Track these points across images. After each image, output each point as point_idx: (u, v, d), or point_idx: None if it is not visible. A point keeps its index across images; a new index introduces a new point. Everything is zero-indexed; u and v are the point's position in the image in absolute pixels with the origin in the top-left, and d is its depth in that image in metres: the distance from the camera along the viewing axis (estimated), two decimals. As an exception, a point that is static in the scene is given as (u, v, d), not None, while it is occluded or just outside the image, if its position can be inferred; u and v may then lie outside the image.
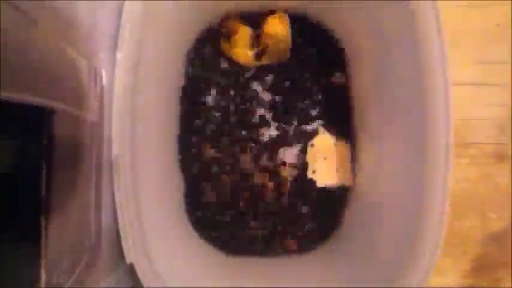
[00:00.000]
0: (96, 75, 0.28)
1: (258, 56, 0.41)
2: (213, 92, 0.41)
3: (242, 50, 0.40)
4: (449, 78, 0.28)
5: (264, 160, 0.41)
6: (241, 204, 0.41)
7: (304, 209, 0.41)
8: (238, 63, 0.41)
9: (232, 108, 0.41)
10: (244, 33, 0.40)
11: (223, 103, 0.41)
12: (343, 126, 0.41)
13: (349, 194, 0.40)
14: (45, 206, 0.22)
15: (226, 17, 0.41)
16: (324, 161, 0.41)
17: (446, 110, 0.28)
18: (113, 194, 0.28)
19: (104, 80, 0.28)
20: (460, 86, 0.43)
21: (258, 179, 0.41)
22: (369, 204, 0.37)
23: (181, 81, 0.40)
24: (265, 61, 0.41)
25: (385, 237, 0.33)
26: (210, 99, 0.41)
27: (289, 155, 0.41)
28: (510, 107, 0.44)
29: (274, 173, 0.41)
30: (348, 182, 0.40)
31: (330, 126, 0.41)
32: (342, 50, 0.41)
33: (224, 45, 0.41)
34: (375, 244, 0.34)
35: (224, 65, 0.42)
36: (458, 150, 0.44)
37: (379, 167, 0.37)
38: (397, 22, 0.31)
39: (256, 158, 0.41)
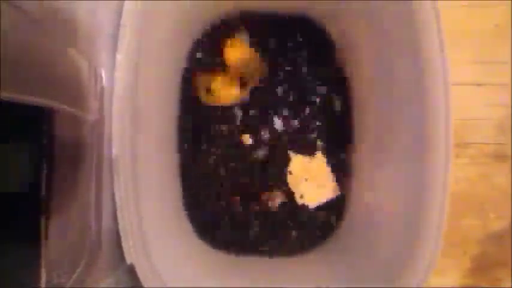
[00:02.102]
0: (96, 75, 0.28)
1: (243, 87, 0.40)
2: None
3: (226, 93, 0.40)
4: (449, 78, 0.28)
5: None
6: (241, 204, 0.41)
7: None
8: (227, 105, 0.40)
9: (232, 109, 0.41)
10: (218, 80, 0.40)
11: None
12: (342, 126, 0.41)
13: (346, 198, 0.40)
14: (46, 206, 0.22)
15: (193, 72, 0.40)
16: (307, 183, 0.40)
17: (446, 110, 0.28)
18: (113, 194, 0.27)
19: (104, 80, 0.29)
20: (460, 86, 0.43)
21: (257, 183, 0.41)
22: (369, 204, 0.37)
23: (181, 81, 0.40)
24: (251, 85, 0.40)
25: (385, 237, 0.33)
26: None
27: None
28: (510, 107, 0.44)
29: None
30: (335, 191, 0.40)
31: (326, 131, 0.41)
32: (342, 50, 0.41)
33: (208, 98, 0.40)
34: (375, 244, 0.34)
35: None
36: (457, 150, 0.44)
37: (379, 167, 0.37)
38: (397, 22, 0.31)
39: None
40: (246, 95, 0.41)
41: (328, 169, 0.40)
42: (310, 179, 0.40)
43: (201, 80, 0.40)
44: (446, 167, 0.28)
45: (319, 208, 0.40)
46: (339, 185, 0.40)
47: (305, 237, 0.40)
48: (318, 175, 0.40)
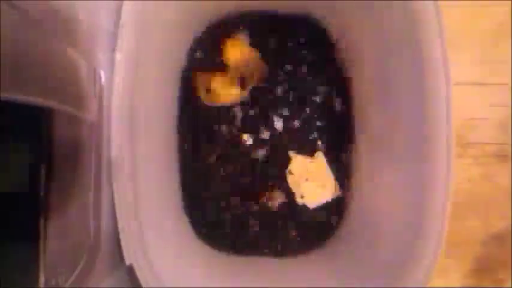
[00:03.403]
0: (95, 75, 0.28)
1: (243, 87, 0.40)
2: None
3: (225, 93, 0.40)
4: (451, 79, 0.28)
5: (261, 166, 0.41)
6: (241, 204, 0.40)
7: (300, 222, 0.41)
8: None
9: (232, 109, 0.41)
10: (218, 79, 0.40)
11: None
12: (343, 126, 0.41)
13: (347, 198, 0.40)
14: (45, 207, 0.22)
15: (193, 71, 0.40)
16: (307, 183, 0.40)
17: (447, 110, 0.28)
18: (112, 194, 0.27)
19: (103, 80, 0.28)
20: (461, 86, 0.43)
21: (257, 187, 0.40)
22: (370, 204, 0.37)
23: (181, 81, 0.40)
24: (250, 85, 0.40)
25: (386, 237, 0.33)
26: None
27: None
28: (510, 107, 0.44)
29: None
30: (336, 191, 0.40)
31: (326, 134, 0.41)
32: (342, 50, 0.41)
33: (208, 98, 0.40)
34: (376, 244, 0.34)
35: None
36: (459, 151, 0.44)
37: (380, 167, 0.37)
38: (398, 22, 0.31)
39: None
40: (246, 94, 0.41)
41: (329, 169, 0.40)
42: (310, 179, 0.40)
43: (201, 79, 0.40)
44: (448, 167, 0.28)
45: (319, 208, 0.40)
46: (339, 185, 0.40)
47: (305, 238, 0.40)
48: (318, 175, 0.40)
